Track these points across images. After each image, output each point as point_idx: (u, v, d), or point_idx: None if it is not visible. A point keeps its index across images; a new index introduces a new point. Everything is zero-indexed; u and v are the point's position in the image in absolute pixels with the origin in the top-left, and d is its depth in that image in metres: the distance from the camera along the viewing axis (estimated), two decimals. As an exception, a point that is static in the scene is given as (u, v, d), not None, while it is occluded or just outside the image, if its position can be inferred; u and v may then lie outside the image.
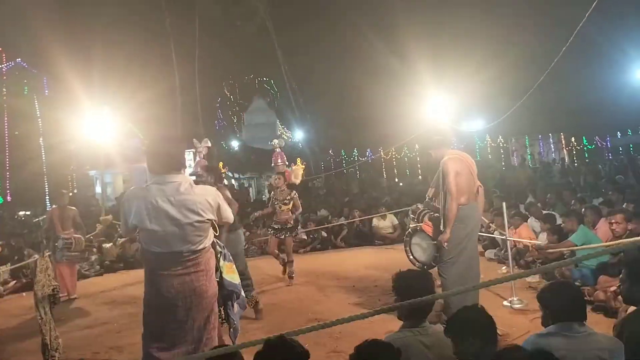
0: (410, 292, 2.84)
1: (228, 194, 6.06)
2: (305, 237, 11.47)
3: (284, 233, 7.79)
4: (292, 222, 7.83)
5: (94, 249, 8.75)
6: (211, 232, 3.52)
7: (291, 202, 7.80)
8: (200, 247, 3.37)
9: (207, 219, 3.36)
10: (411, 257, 5.40)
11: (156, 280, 3.38)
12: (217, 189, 5.40)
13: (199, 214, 3.29)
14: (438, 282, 5.52)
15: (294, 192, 7.92)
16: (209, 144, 6.62)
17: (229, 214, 3.60)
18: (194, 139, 6.66)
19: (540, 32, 22.68)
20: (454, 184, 4.85)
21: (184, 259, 3.32)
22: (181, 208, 3.25)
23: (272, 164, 8.04)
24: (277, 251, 8.00)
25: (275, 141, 8.20)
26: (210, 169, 6.10)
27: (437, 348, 2.94)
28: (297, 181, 7.94)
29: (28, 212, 19.04)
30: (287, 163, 8.00)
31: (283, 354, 2.25)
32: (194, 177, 6.39)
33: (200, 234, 3.36)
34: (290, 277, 7.84)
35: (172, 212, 3.24)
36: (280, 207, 7.78)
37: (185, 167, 3.49)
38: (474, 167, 5.15)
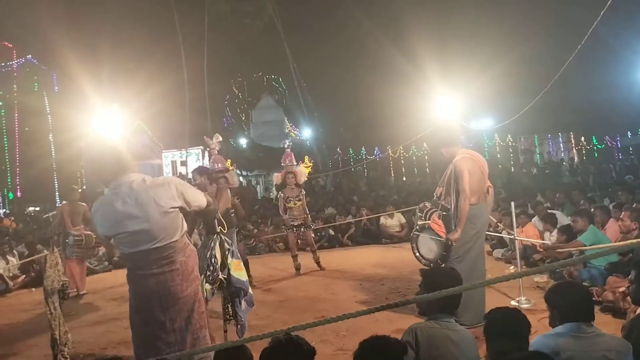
0: (439, 288, 2.75)
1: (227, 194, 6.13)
2: (312, 234, 11.49)
3: (302, 228, 8.29)
4: (307, 217, 8.37)
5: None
6: (181, 224, 3.44)
7: (303, 199, 8.30)
8: (168, 241, 3.32)
9: (171, 207, 3.30)
10: (417, 254, 5.40)
11: (135, 280, 3.40)
12: (218, 189, 5.46)
13: (158, 205, 3.25)
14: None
15: (303, 190, 8.44)
16: (220, 139, 6.65)
17: (198, 199, 3.52)
18: (205, 136, 6.68)
19: (550, 31, 22.56)
20: (467, 183, 4.83)
21: (156, 257, 3.30)
22: (138, 204, 3.24)
23: (282, 163, 8.43)
24: (296, 249, 8.41)
25: (287, 141, 8.82)
26: (201, 170, 6.14)
27: (463, 345, 2.92)
28: (302, 180, 8.41)
29: (38, 208, 19.18)
30: (294, 163, 8.42)
31: (289, 350, 2.25)
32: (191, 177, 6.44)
33: (165, 227, 3.30)
34: (319, 264, 8.40)
35: (131, 211, 3.23)
36: (295, 204, 8.21)
37: (133, 165, 3.42)
38: (486, 167, 5.14)
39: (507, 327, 2.71)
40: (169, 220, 3.33)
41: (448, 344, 2.84)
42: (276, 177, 8.73)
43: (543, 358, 2.33)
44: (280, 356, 2.29)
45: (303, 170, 8.54)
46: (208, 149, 6.38)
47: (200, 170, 6.14)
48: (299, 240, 8.82)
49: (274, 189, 24.33)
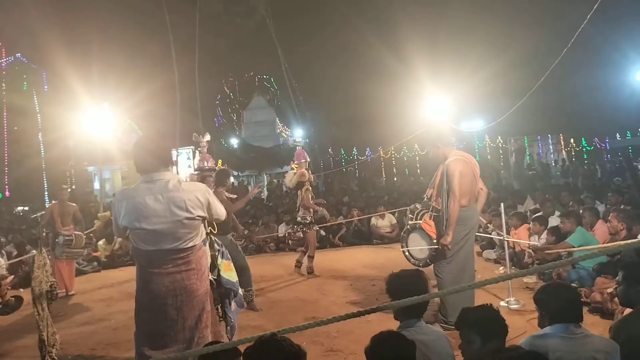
0: (404, 293, 2.73)
1: (225, 196, 6.14)
2: (302, 235, 11.47)
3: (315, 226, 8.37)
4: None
5: (94, 246, 8.78)
6: (202, 230, 3.50)
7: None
8: (190, 244, 3.35)
9: (197, 216, 3.34)
10: (407, 254, 5.42)
11: (147, 278, 3.38)
12: (215, 192, 5.44)
13: (188, 211, 3.27)
14: (433, 282, 5.54)
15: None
16: (208, 138, 6.65)
17: (220, 211, 3.56)
18: (194, 134, 6.68)
19: (540, 33, 22.71)
20: (458, 185, 4.85)
21: (174, 257, 3.31)
22: (170, 205, 3.24)
23: (296, 161, 8.33)
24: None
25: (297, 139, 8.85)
26: (213, 171, 6.17)
27: (434, 346, 2.93)
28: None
29: (26, 208, 19.03)
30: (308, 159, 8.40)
31: (273, 352, 2.23)
32: (196, 173, 6.43)
33: (190, 232, 3.34)
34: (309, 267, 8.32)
35: (160, 210, 3.23)
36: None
37: (172, 164, 3.47)
38: (477, 169, 5.16)
39: (479, 324, 2.71)
40: (194, 225, 3.36)
41: (420, 347, 2.77)
42: (299, 175, 8.15)
43: (537, 357, 2.35)
44: (264, 356, 2.25)
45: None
46: (198, 147, 6.40)
47: (200, 171, 6.18)
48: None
49: (265, 189, 24.31)
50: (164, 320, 3.33)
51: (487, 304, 2.87)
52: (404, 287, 3.06)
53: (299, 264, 8.32)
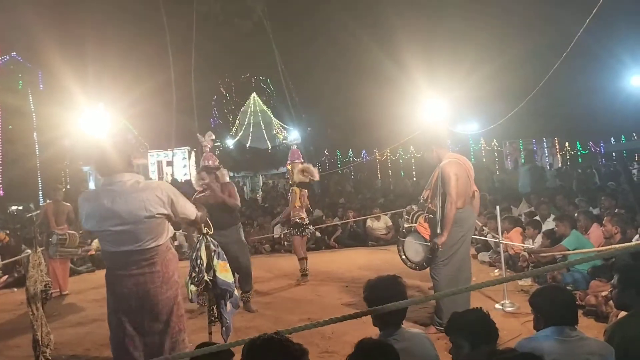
0: (382, 302, 2.54)
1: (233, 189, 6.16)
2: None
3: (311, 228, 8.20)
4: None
5: (89, 245, 8.72)
6: (167, 230, 3.44)
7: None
8: (152, 244, 3.32)
9: (158, 214, 3.30)
10: (403, 257, 5.43)
11: (112, 280, 3.39)
12: (222, 185, 5.48)
13: (147, 210, 3.25)
14: (430, 285, 5.55)
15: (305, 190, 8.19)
16: (213, 137, 6.70)
17: (187, 210, 3.52)
18: (198, 134, 6.73)
19: (535, 37, 22.80)
20: (455, 187, 4.86)
21: (137, 258, 3.29)
22: (128, 206, 3.23)
23: (289, 161, 8.23)
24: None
25: (294, 139, 8.96)
26: (209, 170, 6.17)
27: (417, 350, 2.89)
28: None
29: (20, 207, 18.94)
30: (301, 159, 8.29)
31: (276, 350, 2.22)
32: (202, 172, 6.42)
33: (151, 231, 3.30)
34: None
35: (119, 211, 3.22)
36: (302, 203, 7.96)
37: (133, 165, 3.43)
38: (472, 171, 5.18)
39: (468, 328, 2.71)
40: (155, 224, 3.32)
41: (403, 355, 2.62)
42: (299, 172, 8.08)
43: (532, 359, 2.35)
44: (268, 353, 2.24)
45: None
46: (197, 147, 6.43)
47: (207, 170, 6.18)
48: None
49: (260, 190, 24.29)
50: (129, 323, 3.31)
51: (477, 308, 2.87)
52: (381, 296, 2.87)
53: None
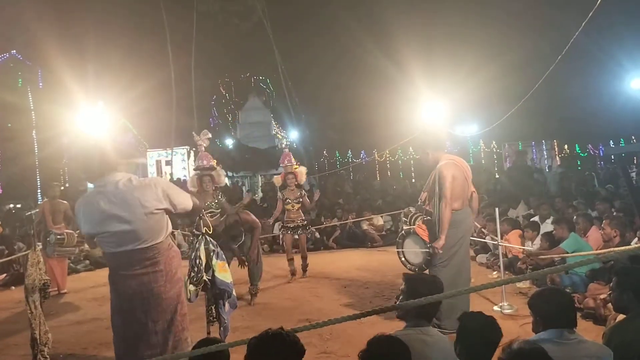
0: (419, 296, 2.70)
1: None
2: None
3: (298, 231, 8.05)
4: (304, 220, 8.16)
5: (85, 245, 8.72)
6: (165, 227, 3.43)
7: (301, 202, 8.04)
8: (152, 242, 3.31)
9: (156, 209, 3.30)
10: (403, 259, 5.44)
11: (115, 280, 3.38)
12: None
13: (143, 206, 3.24)
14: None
15: (303, 191, 8.24)
16: (209, 135, 6.65)
17: (184, 201, 3.51)
18: (193, 133, 6.68)
19: (534, 39, 22.85)
20: (449, 189, 4.87)
21: (140, 257, 3.29)
22: (123, 205, 3.23)
23: (281, 164, 8.26)
24: (292, 251, 8.13)
25: (285, 141, 8.94)
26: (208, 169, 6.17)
27: (437, 347, 2.93)
28: (303, 180, 8.22)
29: (19, 205, 18.90)
30: (293, 162, 8.23)
31: (279, 344, 2.22)
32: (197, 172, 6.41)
33: (151, 228, 3.30)
34: (305, 271, 8.19)
35: (116, 211, 3.21)
36: (293, 207, 8.00)
37: (119, 164, 3.43)
38: (469, 172, 5.19)
39: (477, 331, 2.73)
40: (154, 221, 3.31)
41: (422, 346, 2.83)
42: (276, 179, 8.47)
43: (543, 355, 2.35)
44: (270, 348, 2.24)
45: (303, 170, 8.28)
46: (195, 146, 6.40)
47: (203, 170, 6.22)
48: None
49: (259, 190, 24.26)
50: (133, 322, 3.31)
51: (479, 312, 2.90)
52: (421, 289, 3.02)
53: (303, 268, 8.22)
